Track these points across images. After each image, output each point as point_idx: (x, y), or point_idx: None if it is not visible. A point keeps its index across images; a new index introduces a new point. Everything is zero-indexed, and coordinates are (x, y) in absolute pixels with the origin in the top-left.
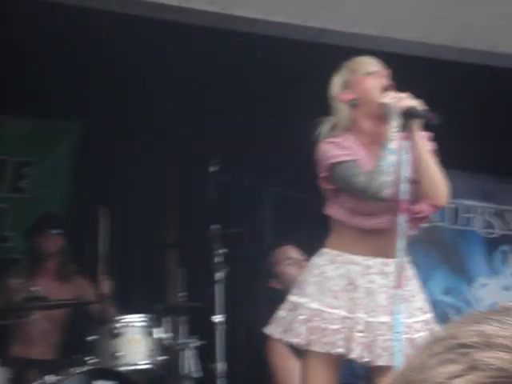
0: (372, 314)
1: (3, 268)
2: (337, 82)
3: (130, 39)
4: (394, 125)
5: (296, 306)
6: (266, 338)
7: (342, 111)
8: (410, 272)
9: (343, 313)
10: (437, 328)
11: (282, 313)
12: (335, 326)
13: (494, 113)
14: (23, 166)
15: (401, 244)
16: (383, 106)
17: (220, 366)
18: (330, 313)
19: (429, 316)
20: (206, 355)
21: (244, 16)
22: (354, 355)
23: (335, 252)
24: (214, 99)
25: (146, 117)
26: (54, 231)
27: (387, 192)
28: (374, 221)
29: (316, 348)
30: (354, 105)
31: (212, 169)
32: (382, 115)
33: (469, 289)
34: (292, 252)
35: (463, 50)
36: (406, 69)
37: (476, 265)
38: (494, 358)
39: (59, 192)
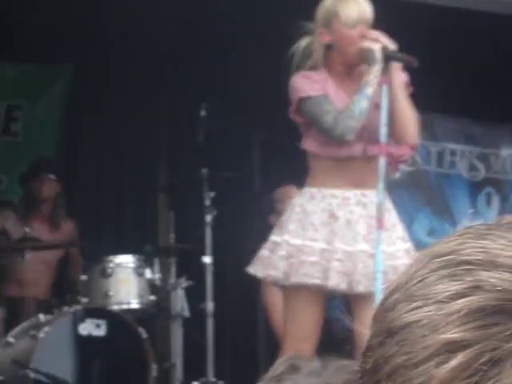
0: (351, 243)
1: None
2: (323, 15)
3: None
4: (375, 70)
5: (277, 245)
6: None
7: (319, 47)
8: (388, 203)
9: (322, 245)
10: None
11: (263, 252)
12: (313, 258)
13: (476, 56)
14: (14, 110)
15: (381, 185)
16: (363, 50)
17: (209, 306)
18: (309, 246)
19: (409, 245)
20: (195, 295)
21: None
22: (331, 284)
23: (314, 189)
24: (204, 43)
25: (134, 60)
26: (51, 176)
27: (351, 136)
28: (346, 150)
29: (294, 279)
30: (329, 47)
31: (202, 113)
32: (355, 62)
33: (452, 230)
34: (295, 191)
35: None
36: (388, 11)
37: (460, 207)
38: (499, 278)
39: (50, 135)
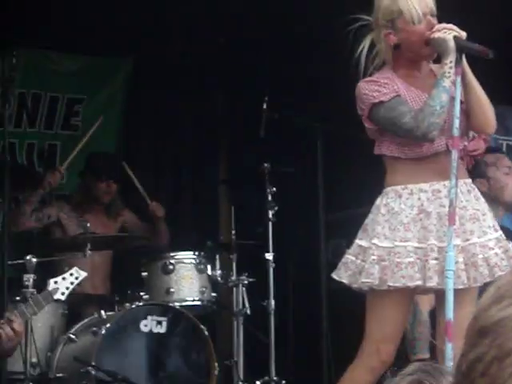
0: (444, 238)
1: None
2: (387, 13)
3: None
4: (449, 60)
5: (365, 249)
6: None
7: (386, 48)
8: (477, 191)
9: (415, 244)
10: (509, 246)
11: (349, 257)
12: (410, 259)
13: None
14: (75, 103)
15: (453, 180)
16: (436, 40)
17: (271, 303)
18: (402, 246)
19: (500, 233)
20: (256, 293)
21: None
22: (430, 284)
23: (399, 187)
24: (265, 34)
25: (194, 53)
26: (110, 180)
27: (436, 133)
28: (428, 147)
29: (392, 283)
30: (396, 48)
31: (264, 107)
32: (424, 56)
33: None
34: (509, 162)
35: None
36: (455, 2)
37: None
38: None
39: (111, 129)
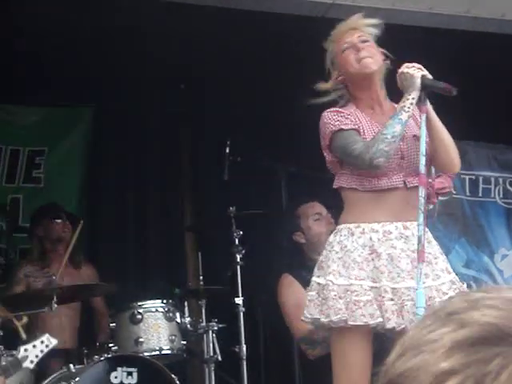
0: (397, 280)
1: (21, 258)
2: (329, 58)
3: (144, 23)
4: (412, 96)
5: (323, 286)
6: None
7: (339, 90)
8: (429, 234)
9: (370, 283)
10: (463, 287)
11: (311, 295)
12: (368, 297)
13: (508, 81)
14: (36, 155)
15: (421, 217)
16: (403, 75)
17: (242, 349)
18: (358, 284)
19: (453, 275)
20: (226, 338)
21: None
22: (389, 326)
23: (352, 225)
24: (226, 79)
25: (159, 102)
26: (59, 220)
27: (383, 161)
28: (386, 181)
29: (353, 322)
30: (344, 84)
31: (226, 151)
32: (370, 82)
33: (490, 261)
34: (320, 208)
35: (475, 19)
36: (417, 40)
37: (497, 236)
38: (481, 315)
39: (73, 180)
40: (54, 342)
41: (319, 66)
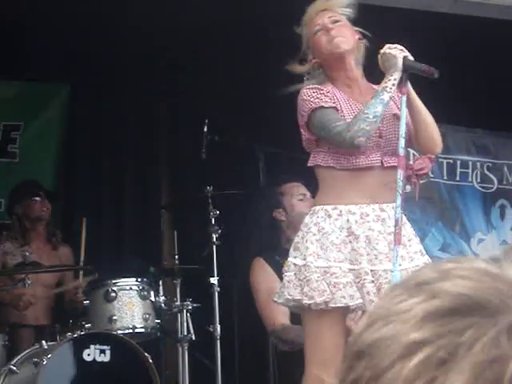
0: (374, 262)
1: None
2: (304, 41)
3: None
4: (393, 77)
5: (300, 267)
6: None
7: (314, 71)
8: (404, 217)
9: (348, 265)
10: None
11: (289, 275)
12: (347, 279)
13: (488, 66)
14: (12, 130)
15: (399, 200)
16: (385, 56)
17: (217, 329)
18: (337, 266)
19: (427, 258)
20: (201, 318)
21: None
22: (370, 306)
23: (329, 206)
24: (204, 55)
25: (135, 79)
26: (37, 198)
27: (364, 140)
28: (363, 159)
29: (334, 304)
30: (319, 65)
31: (204, 129)
32: (343, 61)
33: (466, 245)
34: (304, 190)
35: (457, 2)
36: (400, 22)
37: (474, 220)
38: (453, 285)
39: (48, 155)
40: None
41: (298, 46)
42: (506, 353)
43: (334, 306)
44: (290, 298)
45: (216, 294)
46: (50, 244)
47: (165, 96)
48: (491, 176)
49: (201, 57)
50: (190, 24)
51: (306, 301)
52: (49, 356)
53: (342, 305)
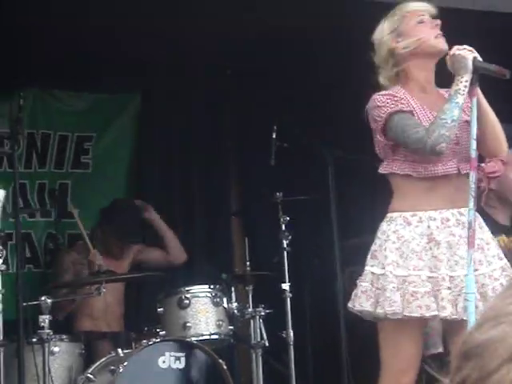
0: (455, 268)
1: (69, 242)
2: (387, 28)
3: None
4: (465, 79)
5: (379, 276)
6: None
7: (393, 59)
8: (480, 220)
9: (428, 273)
10: None
11: (365, 285)
12: (426, 288)
13: None
14: (84, 141)
15: (471, 202)
16: (455, 57)
17: (289, 334)
18: (417, 275)
19: (505, 261)
20: (273, 324)
21: None
22: (444, 314)
23: (408, 213)
24: (271, 62)
25: (201, 84)
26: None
27: (445, 146)
28: (441, 167)
29: (408, 313)
30: (407, 53)
31: (273, 136)
32: (434, 63)
33: None
34: None
35: None
36: (463, 23)
37: None
38: None
39: (121, 166)
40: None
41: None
42: None
43: (408, 315)
44: (360, 308)
45: (288, 299)
46: (119, 253)
47: (233, 102)
48: None
49: (267, 62)
50: (258, 30)
51: (379, 310)
52: (125, 364)
53: (418, 315)
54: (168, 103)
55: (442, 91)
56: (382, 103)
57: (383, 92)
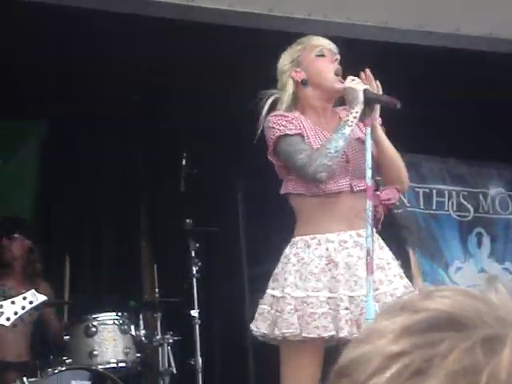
0: (354, 288)
1: None
2: (288, 57)
3: (97, 35)
4: (355, 110)
5: (278, 299)
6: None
7: (291, 88)
8: (381, 241)
9: (327, 294)
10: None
11: (264, 307)
12: (323, 309)
13: (460, 96)
14: None
15: (368, 229)
16: (346, 90)
17: (198, 361)
18: (315, 296)
19: (406, 281)
20: (181, 351)
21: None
22: (343, 334)
23: (308, 237)
24: (180, 91)
25: (109, 112)
26: (16, 235)
27: (325, 175)
28: (333, 185)
29: (307, 334)
30: (304, 84)
31: (183, 163)
32: (331, 97)
33: (445, 273)
34: None
35: (428, 34)
36: (369, 53)
37: (451, 249)
38: (433, 303)
39: (24, 192)
40: (40, 298)
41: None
42: (480, 363)
43: (307, 335)
44: (256, 330)
45: (197, 326)
46: (28, 280)
47: (141, 129)
48: (467, 204)
49: (178, 91)
50: (168, 58)
51: (276, 332)
52: None
53: (316, 335)
54: (77, 130)
55: (338, 110)
56: (273, 124)
57: (277, 112)
